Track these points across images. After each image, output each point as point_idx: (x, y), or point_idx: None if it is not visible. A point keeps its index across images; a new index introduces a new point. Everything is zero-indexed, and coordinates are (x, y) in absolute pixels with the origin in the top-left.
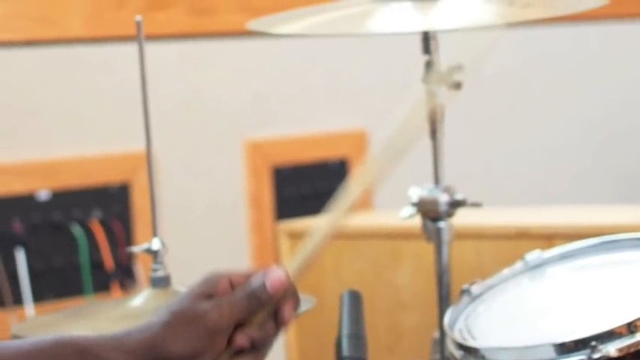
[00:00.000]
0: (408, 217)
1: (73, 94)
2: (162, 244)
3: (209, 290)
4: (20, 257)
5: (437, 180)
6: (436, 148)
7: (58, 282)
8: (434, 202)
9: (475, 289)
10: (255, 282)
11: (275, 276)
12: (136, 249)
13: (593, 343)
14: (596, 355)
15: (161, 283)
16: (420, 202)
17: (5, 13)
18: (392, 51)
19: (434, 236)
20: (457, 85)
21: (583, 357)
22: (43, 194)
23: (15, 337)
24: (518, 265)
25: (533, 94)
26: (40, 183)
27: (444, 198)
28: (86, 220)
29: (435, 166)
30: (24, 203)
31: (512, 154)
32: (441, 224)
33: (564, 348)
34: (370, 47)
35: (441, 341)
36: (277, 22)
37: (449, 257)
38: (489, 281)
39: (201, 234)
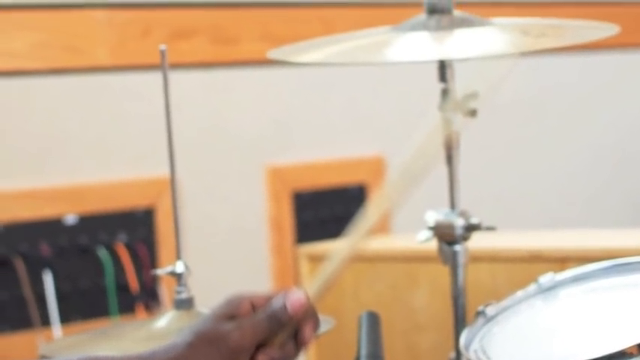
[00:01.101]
0: (424, 241)
1: (100, 122)
2: (186, 266)
3: (231, 312)
4: (48, 279)
5: (453, 204)
6: (452, 173)
7: (84, 304)
8: (450, 226)
9: (490, 310)
10: (276, 304)
11: (295, 298)
12: (161, 272)
13: None
14: None
15: (185, 304)
16: (437, 226)
17: (34, 43)
18: (409, 79)
19: (450, 259)
20: (472, 113)
21: None
22: (71, 218)
23: (43, 357)
24: (532, 288)
25: (546, 121)
26: (68, 207)
27: (459, 222)
28: (112, 243)
29: (450, 191)
30: (52, 227)
31: (525, 180)
32: (457, 247)
33: None
34: (388, 75)
35: None
36: (297, 51)
37: (464, 280)
38: (504, 303)
39: (223, 257)
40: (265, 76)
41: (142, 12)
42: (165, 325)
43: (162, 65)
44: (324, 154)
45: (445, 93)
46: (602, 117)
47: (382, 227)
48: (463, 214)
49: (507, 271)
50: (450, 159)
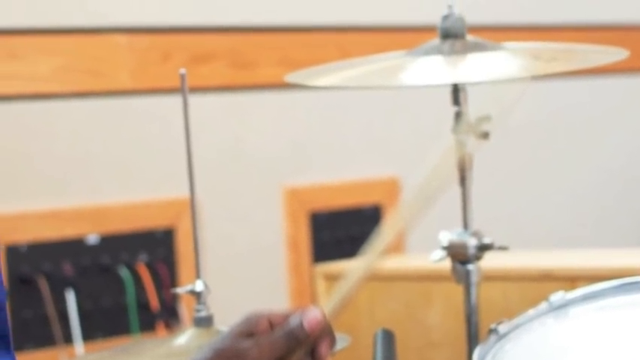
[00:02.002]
0: (438, 260)
1: (121, 144)
2: (205, 285)
3: (249, 329)
4: (70, 298)
5: (466, 225)
6: (465, 194)
7: (106, 322)
8: (463, 246)
9: (502, 328)
10: (294, 321)
11: (312, 316)
12: (180, 290)
13: None
14: None
15: (204, 322)
16: (450, 246)
17: (57, 67)
18: (423, 102)
19: (463, 278)
20: (485, 135)
21: None
22: (92, 238)
23: None
24: (543, 306)
25: (557, 143)
26: (90, 228)
27: (472, 242)
28: (133, 263)
29: (464, 212)
30: (74, 247)
31: (537, 200)
32: (470, 267)
33: None
34: (402, 99)
35: None
36: (314, 75)
37: (477, 298)
38: (515, 321)
39: (242, 276)
40: (283, 100)
41: (162, 37)
42: (185, 342)
43: (182, 89)
44: (340, 175)
45: (458, 116)
46: (611, 139)
47: (397, 247)
48: (476, 234)
49: (519, 289)
50: (463, 180)
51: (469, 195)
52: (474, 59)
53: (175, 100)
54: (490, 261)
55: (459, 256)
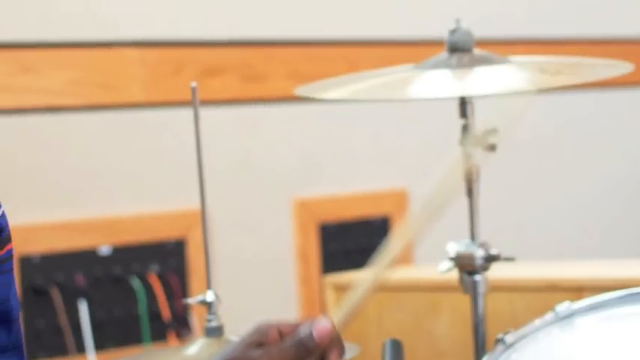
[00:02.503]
0: (446, 271)
1: (133, 156)
2: (216, 296)
3: (259, 339)
4: (83, 308)
5: (473, 236)
6: (472, 206)
7: (118, 332)
8: (470, 257)
9: (509, 338)
10: (303, 331)
11: (321, 326)
12: (192, 301)
13: None
14: None
15: (215, 332)
16: (457, 257)
17: (70, 80)
18: (431, 115)
19: (470, 289)
20: (492, 147)
21: None
22: (105, 249)
23: None
24: (549, 316)
25: (563, 155)
26: (102, 239)
27: (479, 253)
28: (144, 273)
29: (471, 223)
30: (86, 258)
31: (543, 212)
32: (477, 277)
33: None
34: (410, 112)
35: None
36: (323, 88)
37: (484, 308)
38: (522, 331)
39: (252, 286)
40: (292, 112)
41: (173, 50)
42: (196, 352)
43: (193, 101)
44: (349, 187)
45: (466, 128)
46: (616, 151)
47: (405, 258)
48: (483, 245)
49: (525, 300)
50: (470, 192)
51: (476, 206)
52: (481, 72)
53: (186, 113)
54: (497, 272)
55: (467, 266)
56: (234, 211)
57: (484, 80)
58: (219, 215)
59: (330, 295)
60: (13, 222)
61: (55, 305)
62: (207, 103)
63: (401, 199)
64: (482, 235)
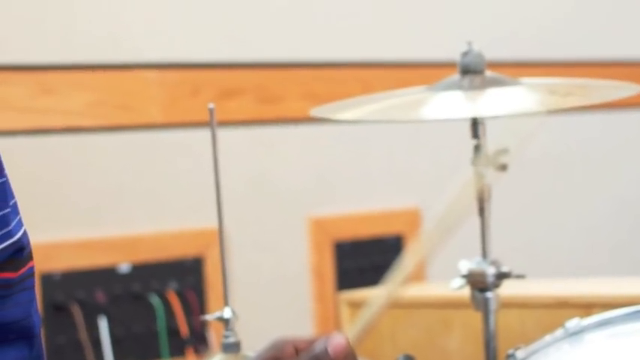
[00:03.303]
0: (458, 288)
1: (152, 176)
2: (233, 312)
3: (276, 355)
4: (103, 325)
5: (484, 254)
6: (484, 224)
7: (137, 347)
8: (482, 274)
9: (519, 354)
10: (318, 347)
11: (336, 341)
12: (209, 317)
13: None
14: None
15: (232, 348)
16: (469, 274)
17: (90, 102)
18: (443, 136)
19: (482, 305)
20: (503, 167)
21: None
22: (124, 267)
23: None
24: (559, 332)
25: (572, 175)
26: (121, 257)
27: (491, 270)
28: (163, 290)
29: (482, 241)
30: (106, 275)
31: (553, 230)
32: (489, 294)
33: None
34: (423, 132)
35: None
36: (338, 109)
37: (495, 325)
38: (532, 347)
39: (268, 303)
40: (308, 133)
41: (191, 72)
42: None
43: (210, 122)
44: (363, 206)
45: (477, 149)
46: (625, 171)
47: (418, 275)
48: (494, 263)
49: (536, 316)
50: (482, 211)
51: (488, 225)
52: (492, 94)
53: (204, 134)
54: (508, 289)
55: (478, 284)
56: (250, 230)
57: (495, 101)
58: (236, 234)
59: (344, 312)
60: (34, 240)
61: (76, 321)
62: (225, 123)
63: (414, 217)
64: (494, 253)
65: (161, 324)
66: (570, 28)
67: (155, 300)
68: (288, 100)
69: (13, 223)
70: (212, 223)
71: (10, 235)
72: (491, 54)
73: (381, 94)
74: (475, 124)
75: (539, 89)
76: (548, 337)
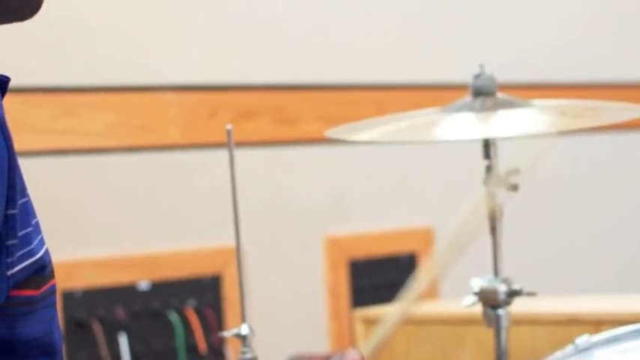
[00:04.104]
0: (470, 305)
1: (170, 195)
2: (251, 329)
3: None
4: (123, 341)
5: (496, 272)
6: (495, 243)
7: None
8: (493, 292)
9: None
10: None
11: (351, 358)
12: (227, 334)
13: None
14: None
15: None
16: (481, 292)
17: (110, 123)
18: (456, 156)
19: (493, 322)
20: (514, 187)
21: None
22: (144, 285)
23: None
24: (569, 349)
25: (582, 194)
26: (141, 274)
27: (502, 288)
28: (182, 308)
29: (494, 259)
30: (126, 293)
31: (563, 249)
32: (500, 311)
33: None
34: (436, 153)
35: None
36: (353, 130)
37: (507, 341)
38: None
39: (285, 320)
40: (323, 154)
41: (209, 94)
42: None
43: (228, 143)
44: (377, 225)
45: (489, 169)
46: (633, 191)
47: (431, 293)
48: (506, 281)
49: (546, 333)
50: (493, 230)
51: (499, 244)
52: (503, 115)
53: (222, 154)
54: (519, 306)
55: (490, 301)
56: (267, 248)
57: (507, 123)
58: (253, 252)
59: (359, 329)
60: (56, 258)
61: (97, 338)
62: (242, 144)
63: (427, 236)
64: (505, 271)
65: (180, 340)
66: (580, 51)
67: (174, 317)
68: (304, 122)
69: (35, 242)
70: (230, 242)
71: (32, 253)
72: (502, 76)
73: (395, 115)
74: (487, 145)
75: (549, 111)
76: (558, 354)
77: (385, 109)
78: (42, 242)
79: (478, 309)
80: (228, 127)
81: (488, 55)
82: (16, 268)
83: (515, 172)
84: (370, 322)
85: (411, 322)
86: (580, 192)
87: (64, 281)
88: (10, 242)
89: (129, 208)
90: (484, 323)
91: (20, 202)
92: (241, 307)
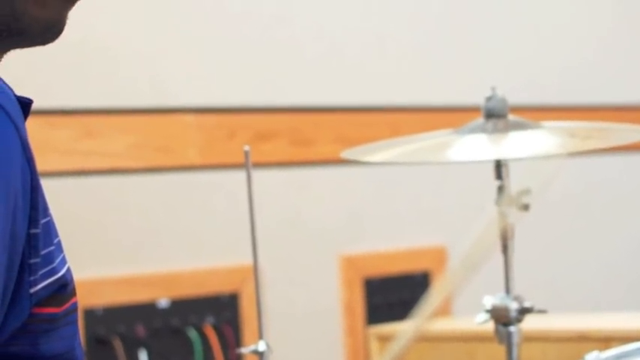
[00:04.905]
0: (482, 323)
1: (189, 215)
2: (268, 346)
3: None
4: (143, 358)
5: (508, 289)
6: (507, 261)
7: None
8: (505, 309)
9: None
10: None
11: None
12: (245, 350)
13: None
14: None
15: None
16: (493, 309)
17: (130, 144)
18: (468, 177)
19: (505, 339)
20: (525, 207)
21: None
22: (163, 302)
23: None
24: None
25: (592, 214)
26: (161, 292)
27: (513, 305)
28: (201, 325)
29: (506, 278)
30: (146, 310)
31: (573, 267)
32: (512, 328)
33: None
34: (449, 173)
35: None
36: (368, 151)
37: (518, 357)
38: None
39: (301, 337)
40: (339, 174)
41: (227, 116)
42: None
43: (246, 164)
44: (392, 244)
45: (501, 189)
46: None
47: (444, 310)
48: (517, 298)
49: (557, 349)
50: (505, 248)
51: (511, 262)
52: (515, 137)
53: (240, 175)
54: (530, 323)
55: (502, 318)
56: (284, 267)
57: (518, 144)
58: (270, 270)
59: (374, 346)
60: (77, 276)
61: (117, 355)
62: (259, 165)
63: (440, 255)
64: (517, 288)
65: (199, 357)
66: (589, 74)
67: (193, 334)
68: (320, 143)
69: (58, 260)
70: (247, 260)
71: (54, 271)
72: (513, 99)
73: (409, 137)
74: (499, 166)
75: (559, 132)
76: None
77: (399, 131)
78: (64, 261)
79: (490, 326)
80: (246, 148)
81: (500, 78)
82: (39, 286)
83: (527, 192)
84: (385, 339)
85: (424, 338)
86: (590, 212)
87: (85, 299)
88: (32, 261)
89: (149, 227)
90: (496, 340)
91: (43, 221)
92: (259, 324)
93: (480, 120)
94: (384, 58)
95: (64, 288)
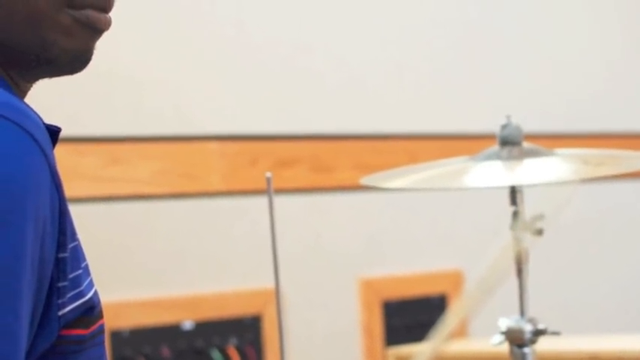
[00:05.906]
0: (497, 344)
1: (213, 239)
2: None
3: None
4: None
5: (522, 312)
6: (522, 284)
7: None
8: (520, 331)
9: None
10: None
11: None
12: None
13: None
14: None
15: None
16: (508, 331)
17: (155, 171)
18: (484, 202)
19: None
20: (540, 232)
21: None
22: (188, 324)
23: None
24: None
25: (604, 239)
26: (185, 315)
27: (528, 327)
28: (224, 346)
29: (520, 300)
30: (171, 332)
31: (586, 290)
32: (526, 350)
33: None
34: (465, 199)
35: None
36: (386, 178)
37: None
38: None
39: (321, 358)
40: (358, 200)
41: (250, 143)
42: None
43: (268, 190)
44: (410, 268)
45: (516, 215)
46: None
47: (461, 332)
48: (531, 321)
49: None
50: (520, 272)
51: (525, 285)
52: (529, 164)
53: (262, 201)
54: (544, 345)
55: (516, 340)
56: (305, 290)
57: (532, 171)
58: (292, 293)
59: None
60: (104, 299)
61: None
62: (281, 191)
63: (457, 279)
64: (531, 311)
65: None
66: (601, 102)
67: (217, 355)
68: (340, 170)
69: (85, 284)
70: (269, 284)
71: (82, 294)
72: (528, 127)
73: (426, 163)
74: (513, 192)
75: (572, 159)
76: None
77: (417, 158)
78: (91, 284)
79: (505, 347)
80: (268, 174)
81: (515, 107)
82: (67, 309)
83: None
84: None
85: (441, 359)
86: (602, 236)
87: (112, 321)
88: (61, 284)
89: (173, 251)
90: None
91: (70, 245)
92: (280, 346)
93: (495, 147)
94: (402, 88)
95: (92, 310)
